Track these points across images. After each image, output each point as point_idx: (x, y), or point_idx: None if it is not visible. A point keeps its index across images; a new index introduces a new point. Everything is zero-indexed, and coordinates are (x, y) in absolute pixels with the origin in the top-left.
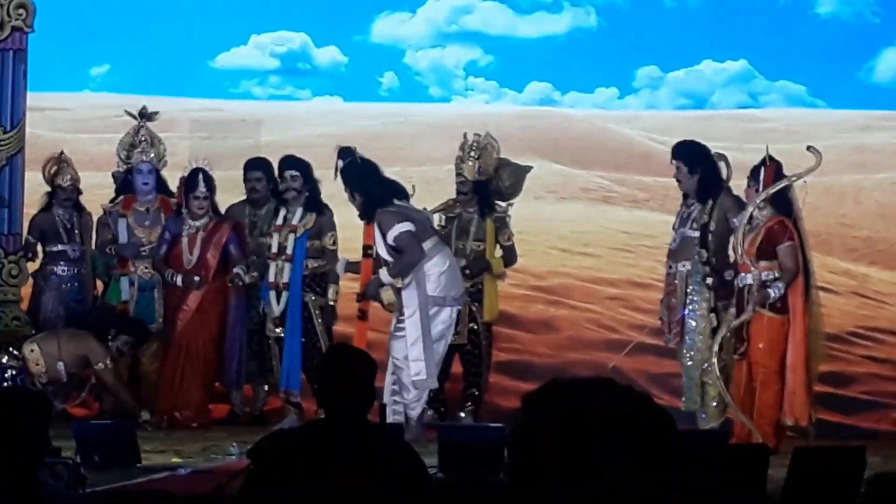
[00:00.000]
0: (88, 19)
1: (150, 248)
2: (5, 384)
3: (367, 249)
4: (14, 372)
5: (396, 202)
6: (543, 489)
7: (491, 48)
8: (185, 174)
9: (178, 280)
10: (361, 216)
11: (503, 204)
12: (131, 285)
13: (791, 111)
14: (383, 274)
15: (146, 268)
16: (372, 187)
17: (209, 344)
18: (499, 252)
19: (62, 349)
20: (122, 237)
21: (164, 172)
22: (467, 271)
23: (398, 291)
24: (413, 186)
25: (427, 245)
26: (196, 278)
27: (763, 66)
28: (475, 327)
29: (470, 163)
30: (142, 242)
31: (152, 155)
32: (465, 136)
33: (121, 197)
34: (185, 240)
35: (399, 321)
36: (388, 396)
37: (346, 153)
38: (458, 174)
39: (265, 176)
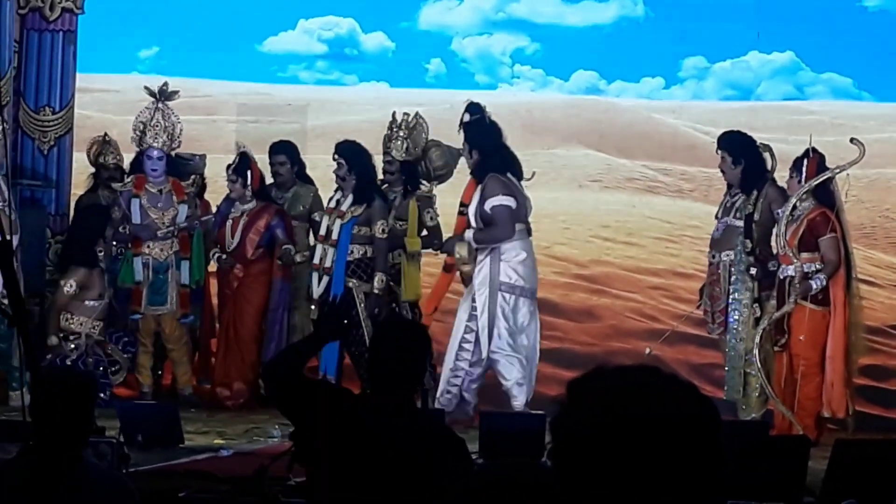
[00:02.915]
0: (138, 2)
1: (166, 230)
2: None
3: (462, 207)
4: (75, 346)
5: (510, 175)
6: (587, 477)
7: (538, 36)
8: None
9: (215, 259)
10: (473, 173)
11: (427, 184)
12: (145, 266)
13: (837, 103)
14: (468, 233)
15: (161, 249)
16: (494, 150)
17: (252, 326)
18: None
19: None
20: (136, 217)
21: (210, 155)
22: None
23: (474, 263)
24: (533, 173)
25: (517, 227)
26: (231, 260)
27: (810, 58)
28: (395, 307)
29: (398, 142)
30: (156, 224)
31: (164, 139)
32: (393, 115)
33: (131, 177)
34: (228, 223)
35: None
36: (445, 372)
37: (475, 108)
38: (386, 153)
39: (289, 160)
